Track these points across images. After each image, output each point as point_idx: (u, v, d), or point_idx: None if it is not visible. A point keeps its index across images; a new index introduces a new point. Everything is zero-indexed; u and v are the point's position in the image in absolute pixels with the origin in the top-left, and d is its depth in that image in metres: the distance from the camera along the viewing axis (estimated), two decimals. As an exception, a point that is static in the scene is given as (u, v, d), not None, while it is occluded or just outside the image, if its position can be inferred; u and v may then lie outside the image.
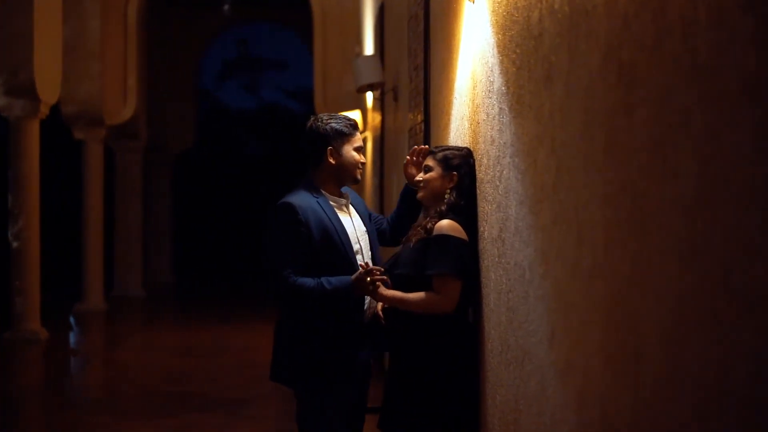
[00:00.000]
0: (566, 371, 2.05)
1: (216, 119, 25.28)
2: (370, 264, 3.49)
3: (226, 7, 18.07)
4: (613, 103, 1.74)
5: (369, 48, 9.77)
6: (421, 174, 3.51)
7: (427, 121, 4.71)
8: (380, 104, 8.21)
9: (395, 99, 6.86)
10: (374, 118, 9.15)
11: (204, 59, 20.66)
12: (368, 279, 3.35)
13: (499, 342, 2.84)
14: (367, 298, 3.54)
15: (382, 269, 3.40)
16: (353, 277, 3.40)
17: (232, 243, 22.29)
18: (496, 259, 2.87)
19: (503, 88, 2.74)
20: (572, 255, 2.00)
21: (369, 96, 9.34)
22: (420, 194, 3.53)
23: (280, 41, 25.06)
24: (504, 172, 2.73)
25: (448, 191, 3.37)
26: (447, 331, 3.29)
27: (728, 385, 1.30)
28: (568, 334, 2.04)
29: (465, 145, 3.46)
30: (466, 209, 3.33)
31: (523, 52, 2.48)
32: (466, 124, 3.47)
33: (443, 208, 3.35)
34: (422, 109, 4.80)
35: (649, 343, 1.57)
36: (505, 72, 2.72)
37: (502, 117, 2.75)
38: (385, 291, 3.38)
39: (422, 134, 4.80)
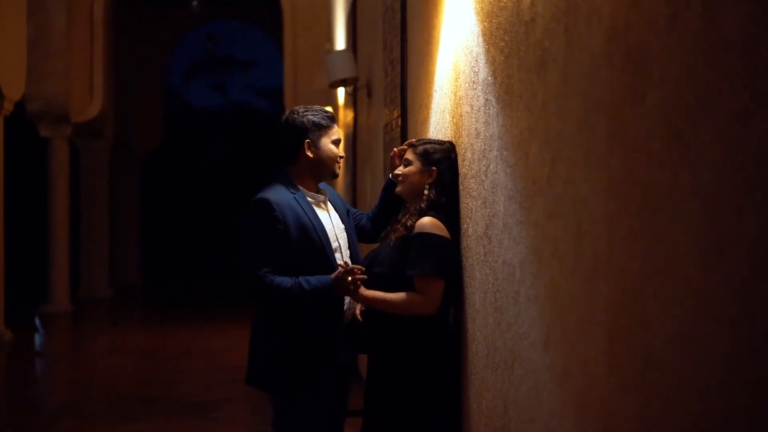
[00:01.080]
0: (564, 376, 1.92)
1: (184, 118, 25.00)
2: (350, 263, 3.36)
3: (194, 3, 17.82)
4: (618, 89, 1.61)
5: (340, 44, 9.63)
6: (401, 167, 3.37)
7: (404, 115, 4.58)
8: (353, 100, 8.07)
9: (369, 95, 6.72)
10: (346, 115, 9.00)
11: (171, 57, 20.38)
12: (349, 279, 3.21)
13: (485, 344, 2.71)
14: (347, 299, 3.40)
15: (363, 268, 3.27)
16: (333, 276, 3.26)
17: (201, 243, 22.05)
18: (482, 257, 2.74)
19: (489, 78, 2.61)
20: (570, 252, 1.88)
21: (341, 92, 9.19)
22: (398, 188, 3.40)
23: (248, 39, 24.81)
24: (491, 166, 2.60)
25: (427, 187, 3.24)
26: (428, 333, 3.16)
27: (749, 395, 1.18)
28: (566, 336, 1.91)
29: (447, 139, 3.33)
30: (447, 206, 3.20)
31: (512, 39, 2.35)
32: (448, 118, 3.34)
33: (423, 205, 3.22)
34: (399, 103, 4.67)
35: (660, 347, 1.45)
36: (491, 61, 2.59)
37: (488, 108, 2.62)
38: (365, 291, 3.24)
39: (399, 129, 4.67)
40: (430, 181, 3.24)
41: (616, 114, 1.62)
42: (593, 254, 1.74)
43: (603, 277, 1.69)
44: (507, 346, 2.42)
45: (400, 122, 4.65)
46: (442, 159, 3.23)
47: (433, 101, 3.69)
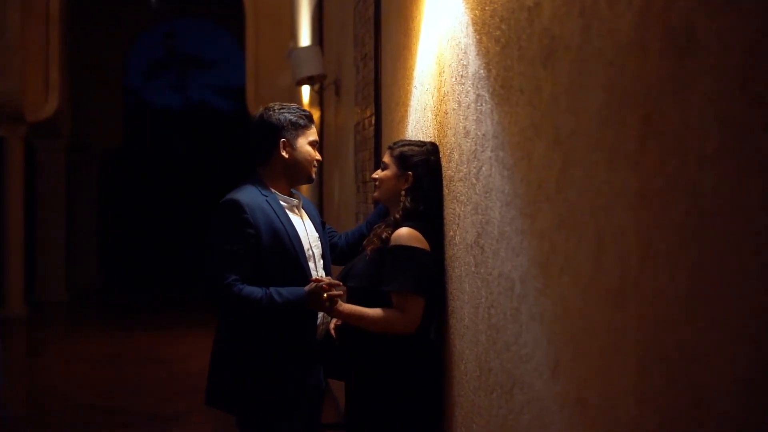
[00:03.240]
0: (579, 409, 1.68)
1: (143, 118, 24.54)
2: (324, 276, 3.09)
3: (153, 0, 17.43)
4: (655, 80, 1.38)
5: (305, 41, 9.34)
6: (378, 171, 3.13)
7: (378, 114, 4.33)
8: (319, 99, 7.80)
9: (337, 93, 6.46)
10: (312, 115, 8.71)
11: (130, 55, 19.94)
12: (324, 295, 2.95)
13: (476, 364, 2.47)
14: (321, 313, 3.14)
15: (341, 283, 3.01)
16: (307, 289, 2.99)
17: (160, 245, 21.63)
18: (473, 268, 2.50)
19: (482, 71, 2.37)
20: (587, 268, 1.64)
21: (306, 91, 8.90)
22: (375, 194, 3.15)
23: (209, 37, 24.40)
24: (483, 168, 2.36)
25: (403, 193, 2.99)
26: (408, 351, 2.91)
27: None
28: (582, 364, 1.67)
29: (429, 139, 3.09)
30: (427, 213, 2.95)
31: (510, 27, 2.11)
32: (430, 116, 3.10)
33: (398, 215, 2.97)
34: (373, 101, 4.41)
35: (714, 385, 1.21)
36: (484, 53, 2.35)
37: (480, 105, 2.38)
38: (342, 306, 2.98)
39: (372, 129, 4.42)
40: (406, 186, 3.00)
41: (652, 109, 1.39)
42: (618, 271, 1.50)
43: (632, 298, 1.46)
44: (504, 368, 2.18)
45: (373, 121, 4.39)
46: (420, 163, 2.98)
47: (413, 98, 3.44)
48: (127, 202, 21.96)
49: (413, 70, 3.40)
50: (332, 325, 3.15)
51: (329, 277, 3.10)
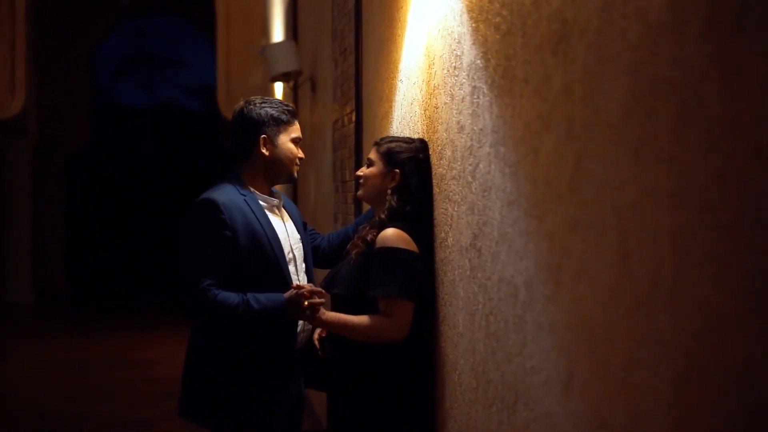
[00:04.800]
0: (598, 430, 1.53)
1: (112, 118, 24.21)
2: (304, 282, 2.91)
3: (122, -3, 17.16)
4: (695, 64, 1.22)
5: (278, 38, 9.14)
6: (363, 168, 2.96)
7: (359, 110, 4.15)
8: (294, 96, 7.61)
9: (313, 90, 6.28)
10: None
11: (99, 53, 19.62)
12: (305, 303, 2.77)
13: (472, 375, 2.31)
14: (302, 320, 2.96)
15: (323, 291, 2.83)
16: (286, 296, 2.81)
17: (129, 246, 21.31)
18: (468, 272, 2.33)
19: (479, 61, 2.21)
20: (609, 274, 1.48)
21: (279, 88, 8.69)
22: (359, 192, 2.99)
23: (179, 36, 24.14)
24: (480, 165, 2.20)
25: (389, 192, 2.83)
26: (397, 360, 2.74)
27: None
28: (601, 379, 1.52)
29: (418, 135, 2.93)
30: (415, 213, 2.79)
31: (513, 12, 1.95)
32: (418, 110, 2.93)
33: (383, 215, 2.81)
34: (353, 96, 4.24)
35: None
36: (482, 41, 2.19)
37: (477, 97, 2.22)
38: (326, 315, 2.80)
39: (353, 126, 4.24)
40: (392, 185, 2.83)
41: (690, 97, 1.24)
42: (648, 278, 1.35)
43: (665, 308, 1.30)
44: (506, 381, 2.02)
45: (354, 117, 4.22)
46: (408, 160, 2.82)
47: (398, 93, 3.27)
48: (95, 202, 21.64)
49: (398, 63, 3.24)
50: (316, 336, 2.98)
51: (311, 284, 2.93)
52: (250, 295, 2.81)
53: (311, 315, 2.78)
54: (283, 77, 6.78)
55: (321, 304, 2.80)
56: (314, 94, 6.24)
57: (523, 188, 1.89)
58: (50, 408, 7.34)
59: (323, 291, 2.84)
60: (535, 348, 1.83)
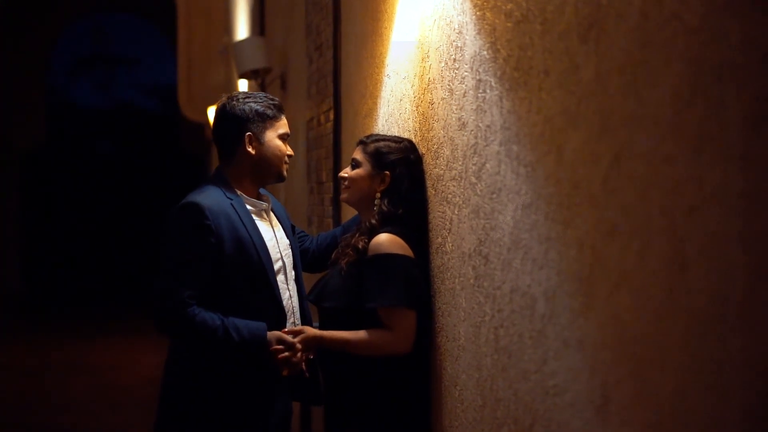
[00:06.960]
0: (644, 460, 1.36)
1: (68, 118, 23.75)
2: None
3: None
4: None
5: (242, 35, 8.91)
6: (348, 169, 2.77)
7: (337, 108, 3.97)
8: (261, 95, 7.39)
9: (283, 87, 6.08)
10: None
11: (54, 52, 19.19)
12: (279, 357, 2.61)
13: (476, 392, 2.14)
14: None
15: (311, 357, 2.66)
16: (270, 337, 2.63)
17: (89, 249, 20.89)
18: (471, 281, 2.16)
19: (485, 52, 2.04)
20: (658, 285, 1.32)
21: (243, 86, 8.44)
22: (343, 195, 2.80)
23: (137, 34, 23.73)
24: (487, 165, 2.03)
25: (379, 195, 2.65)
26: (395, 373, 2.56)
27: None
28: (643, 404, 1.36)
29: (409, 133, 2.75)
30: (407, 217, 2.61)
31: (529, -3, 1.79)
32: (409, 107, 2.76)
33: (374, 220, 2.62)
34: (331, 94, 4.05)
35: None
36: (489, 31, 2.02)
37: (483, 91, 2.05)
38: (323, 338, 2.61)
39: (331, 124, 4.05)
40: (382, 188, 2.65)
41: (765, 85, 1.08)
42: (713, 293, 1.19)
43: (738, 327, 1.14)
44: (521, 400, 1.85)
45: (331, 116, 4.03)
46: (398, 161, 2.64)
47: (384, 89, 3.09)
48: (53, 203, 21.21)
49: (385, 57, 3.06)
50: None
51: (298, 326, 2.74)
52: (230, 323, 2.59)
53: (297, 362, 2.62)
54: (252, 75, 6.57)
55: (298, 361, 2.64)
56: (284, 92, 6.04)
57: (543, 190, 1.73)
58: (5, 419, 7.06)
59: (304, 330, 2.66)
60: (558, 366, 1.66)
